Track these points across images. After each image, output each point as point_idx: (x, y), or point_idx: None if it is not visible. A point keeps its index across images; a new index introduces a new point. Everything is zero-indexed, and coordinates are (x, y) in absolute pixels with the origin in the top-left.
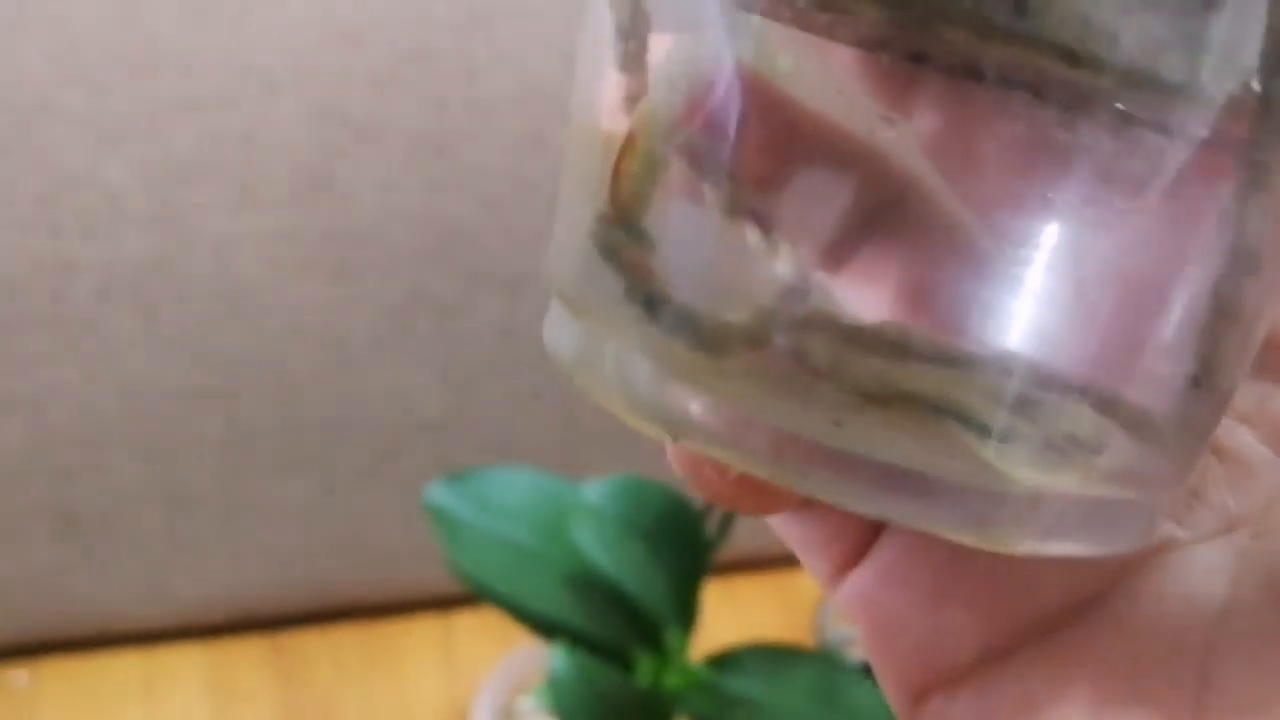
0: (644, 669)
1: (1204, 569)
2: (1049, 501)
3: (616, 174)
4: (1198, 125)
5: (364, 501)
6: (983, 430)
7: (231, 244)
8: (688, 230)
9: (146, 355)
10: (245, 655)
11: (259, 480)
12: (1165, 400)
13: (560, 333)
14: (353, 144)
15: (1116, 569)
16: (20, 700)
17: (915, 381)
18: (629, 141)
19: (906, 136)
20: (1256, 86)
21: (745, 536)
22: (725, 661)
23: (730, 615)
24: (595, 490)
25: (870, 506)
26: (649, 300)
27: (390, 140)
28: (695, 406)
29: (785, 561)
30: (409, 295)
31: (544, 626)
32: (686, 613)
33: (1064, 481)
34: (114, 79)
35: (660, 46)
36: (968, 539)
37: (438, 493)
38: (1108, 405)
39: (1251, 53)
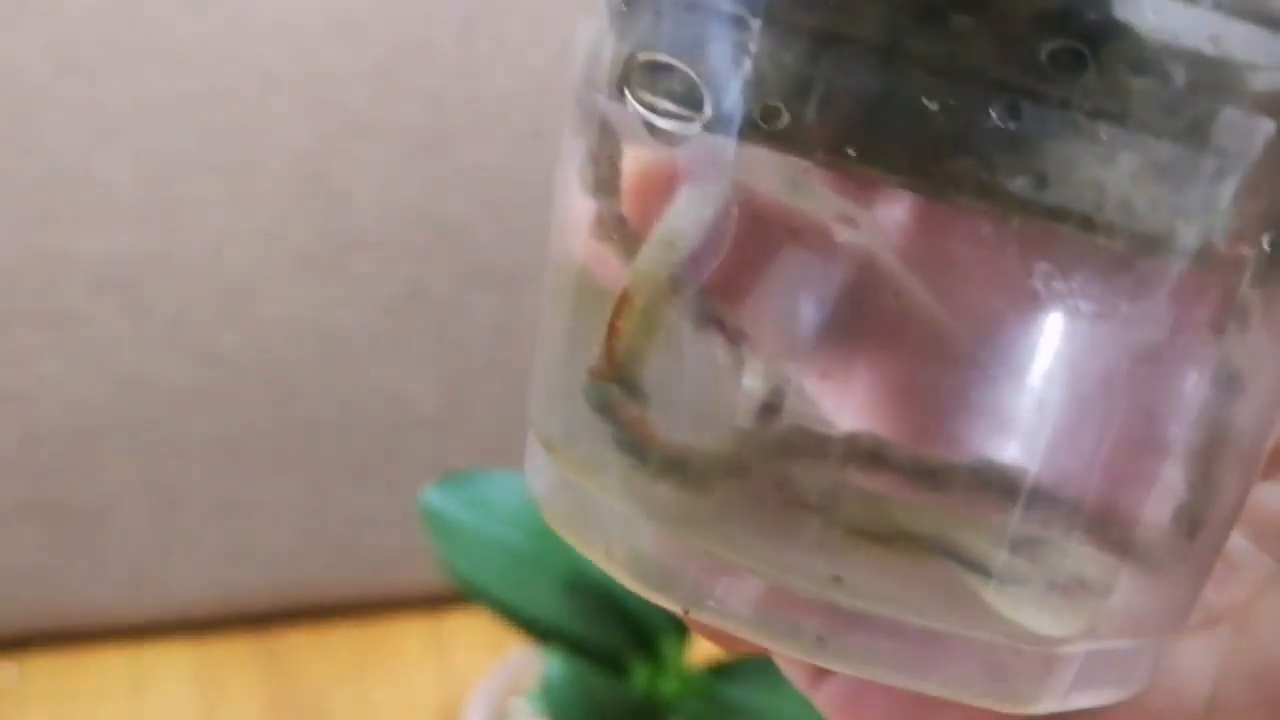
0: (639, 675)
1: (1190, 665)
2: (1068, 654)
3: (613, 332)
4: (1200, 272)
5: (356, 500)
6: (984, 572)
7: (226, 239)
8: (668, 364)
9: (138, 350)
10: (234, 653)
11: (250, 478)
12: (1168, 534)
13: (541, 473)
14: (350, 140)
15: None
16: (9, 696)
17: (910, 517)
18: (625, 299)
19: (873, 236)
20: (1267, 247)
21: None
22: (721, 669)
23: None
24: None
25: (882, 670)
26: (643, 448)
27: (388, 136)
28: (689, 564)
29: None
30: (405, 293)
31: (539, 631)
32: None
33: (1074, 626)
34: (110, 72)
35: (631, 169)
36: (988, 702)
37: (433, 495)
38: (1110, 542)
39: (1259, 214)
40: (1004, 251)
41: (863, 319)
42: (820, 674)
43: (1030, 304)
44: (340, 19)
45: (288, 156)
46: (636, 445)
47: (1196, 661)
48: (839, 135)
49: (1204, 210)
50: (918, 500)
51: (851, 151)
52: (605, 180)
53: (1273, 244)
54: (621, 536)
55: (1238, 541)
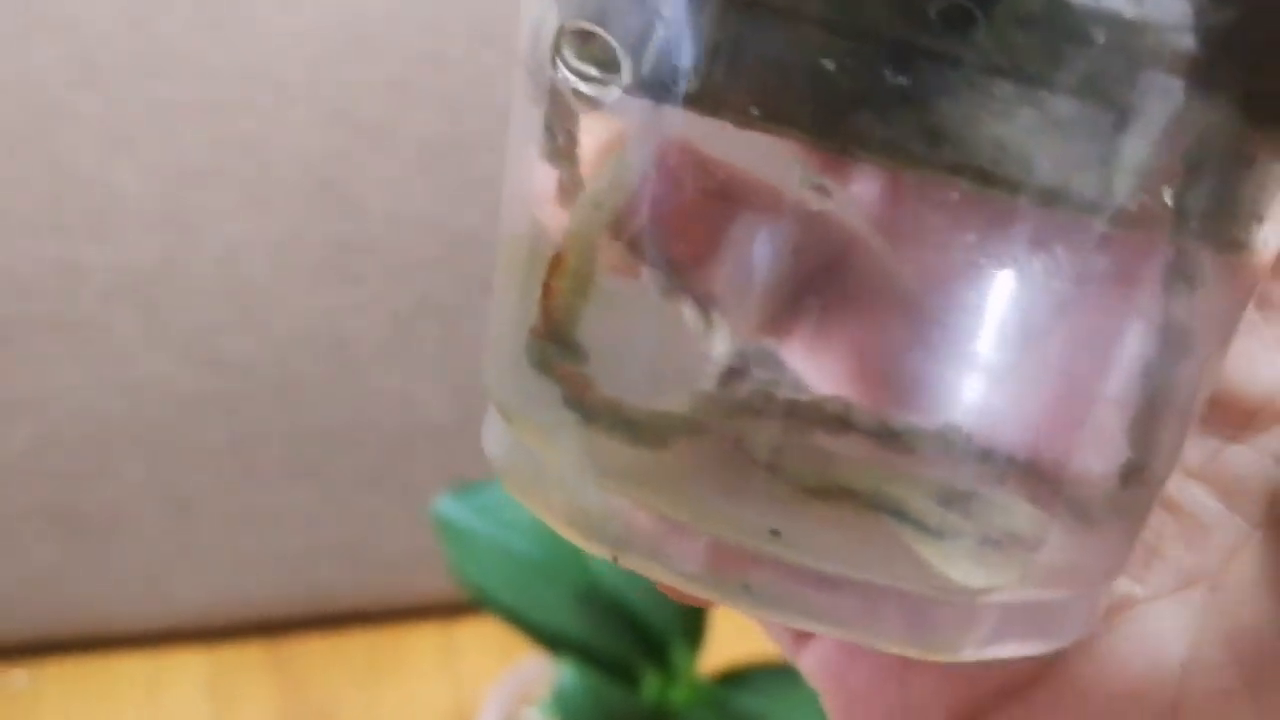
0: (650, 684)
1: (1163, 627)
2: (991, 605)
3: (547, 292)
4: (1114, 228)
5: (368, 508)
6: (920, 526)
7: (239, 249)
8: (623, 326)
9: (152, 359)
10: (246, 660)
11: (263, 485)
12: (1102, 489)
13: (497, 440)
14: (364, 150)
15: None
16: (20, 701)
17: (853, 474)
18: (557, 259)
19: (843, 204)
20: (1169, 200)
21: None
22: (732, 678)
23: (736, 632)
24: None
25: (811, 620)
26: (586, 404)
27: (401, 146)
28: (635, 519)
29: None
30: (417, 302)
31: (550, 640)
32: (694, 629)
33: (1004, 580)
34: (125, 83)
35: (590, 139)
36: (911, 651)
37: (446, 504)
38: (1045, 496)
39: (1161, 169)
40: (933, 212)
41: (812, 281)
42: (803, 637)
43: (959, 263)
44: (354, 31)
45: (301, 166)
46: (578, 401)
47: (1170, 623)
48: (746, 96)
49: (1104, 165)
50: (860, 458)
51: (756, 111)
52: (562, 148)
53: (1179, 200)
54: (565, 489)
55: (1208, 502)
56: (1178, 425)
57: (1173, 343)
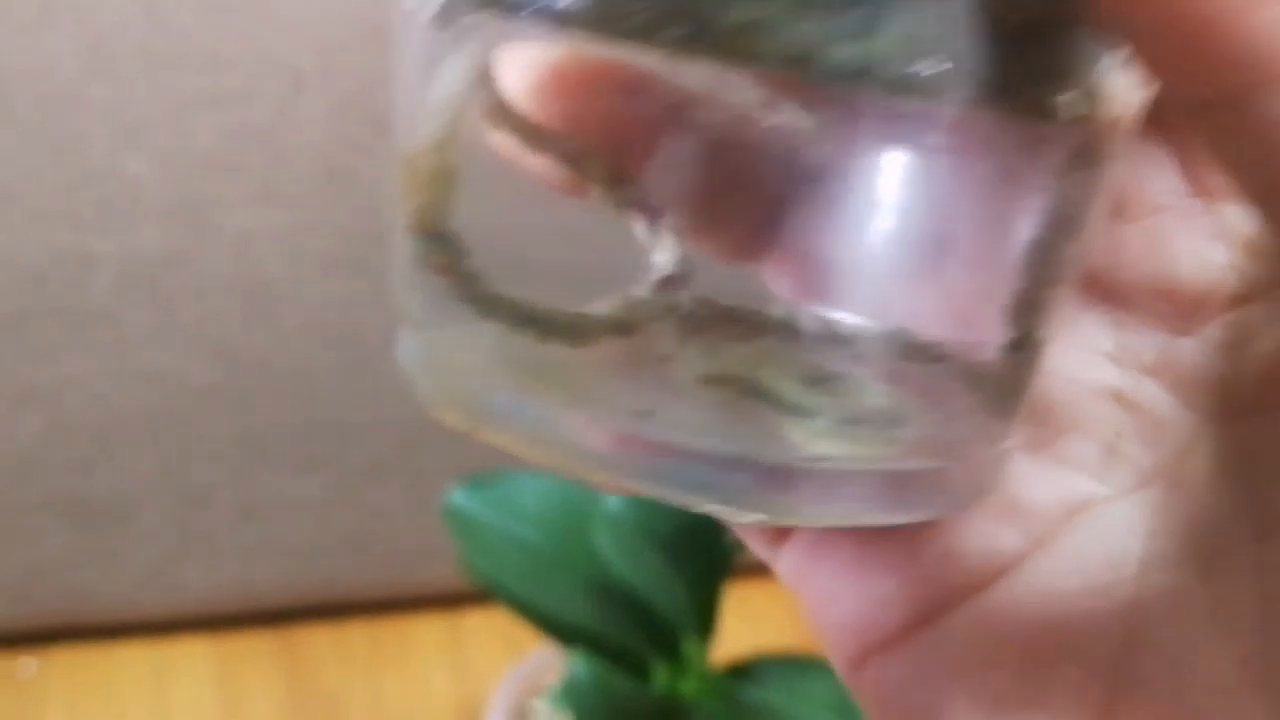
0: (660, 676)
1: (1122, 525)
2: (857, 473)
3: (409, 188)
4: (922, 103)
5: (376, 499)
6: (787, 408)
7: (251, 239)
8: (516, 224)
9: (163, 349)
10: (254, 649)
11: (272, 476)
12: (984, 359)
13: (405, 351)
14: (376, 140)
15: (1037, 529)
16: (28, 689)
17: (734, 363)
18: (420, 154)
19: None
20: (939, 68)
21: None
22: (743, 670)
23: (745, 623)
24: (616, 498)
25: (675, 494)
26: (481, 300)
27: None
28: (539, 408)
29: None
30: None
31: (561, 631)
32: (705, 621)
33: (866, 453)
34: (138, 73)
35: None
36: (761, 515)
37: (456, 495)
38: (913, 375)
39: (943, 36)
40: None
41: (721, 179)
42: (777, 540)
43: (823, 156)
44: (368, 19)
45: (314, 158)
46: (471, 294)
47: (1129, 522)
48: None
49: (862, 34)
50: (744, 349)
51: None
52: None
53: (947, 68)
54: (465, 385)
55: (1162, 398)
56: (1058, 302)
57: (1061, 223)
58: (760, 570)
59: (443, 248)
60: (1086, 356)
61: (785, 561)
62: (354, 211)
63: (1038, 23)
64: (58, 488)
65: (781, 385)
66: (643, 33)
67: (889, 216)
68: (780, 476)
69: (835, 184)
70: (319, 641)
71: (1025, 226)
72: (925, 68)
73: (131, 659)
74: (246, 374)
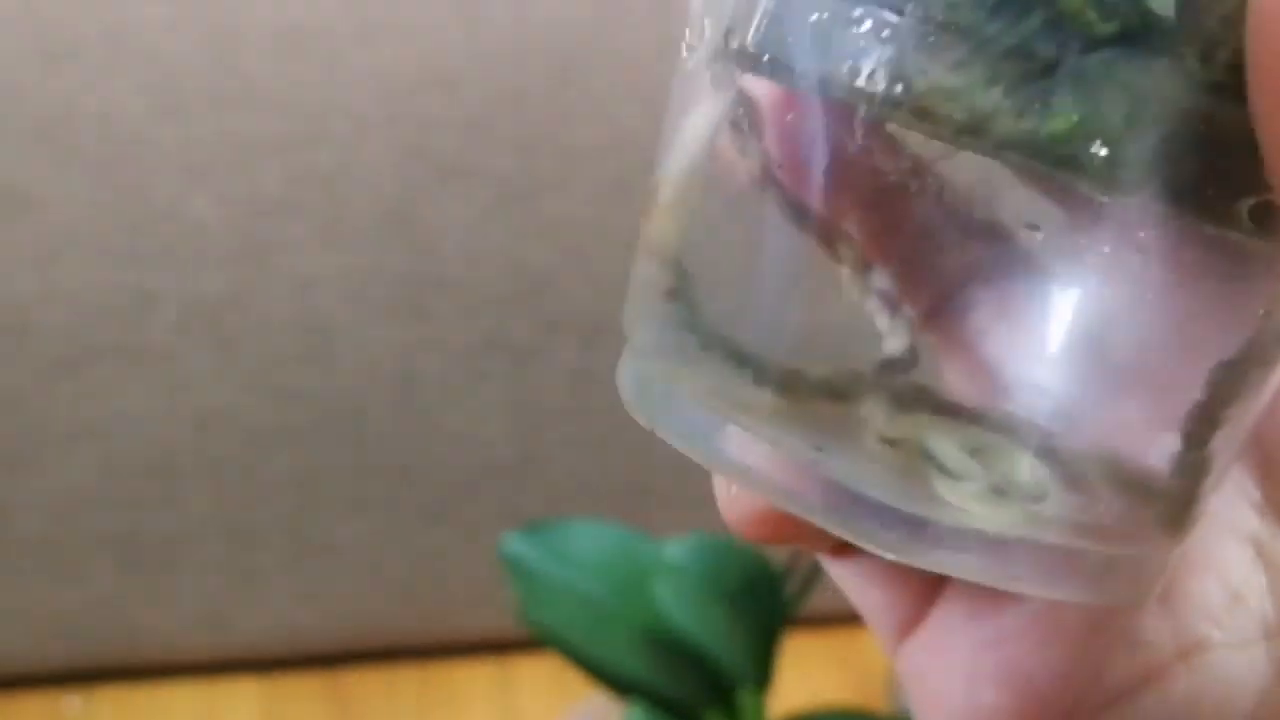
0: None
1: (1239, 674)
2: (997, 539)
3: (652, 219)
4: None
5: (428, 544)
6: (943, 470)
7: (311, 282)
8: (775, 280)
9: (220, 389)
10: (301, 691)
11: (325, 518)
12: (1150, 464)
13: (626, 373)
14: (439, 186)
15: (1151, 666)
16: None
17: (909, 429)
18: (665, 181)
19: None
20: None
21: (818, 597)
22: None
23: (801, 676)
24: (676, 549)
25: (844, 532)
26: (703, 331)
27: (476, 184)
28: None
29: (854, 621)
30: (485, 340)
31: (617, 681)
32: (762, 672)
33: (1006, 520)
34: (205, 115)
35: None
36: (899, 555)
37: (513, 543)
38: (1072, 459)
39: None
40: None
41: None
42: (899, 637)
43: (998, 242)
44: (435, 68)
45: (376, 202)
46: (696, 326)
47: (1244, 673)
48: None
49: (1040, 109)
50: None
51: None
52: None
53: (1126, 153)
54: (682, 411)
55: None
56: (1226, 417)
57: (1258, 345)
58: (817, 623)
59: (673, 274)
60: (1233, 499)
61: (904, 656)
62: (414, 257)
63: (1242, 134)
64: (110, 525)
65: (944, 449)
66: (851, 92)
67: (1084, 313)
68: (926, 529)
69: (1036, 278)
70: (368, 686)
71: (1222, 342)
72: (1100, 149)
73: (179, 699)
74: (302, 415)
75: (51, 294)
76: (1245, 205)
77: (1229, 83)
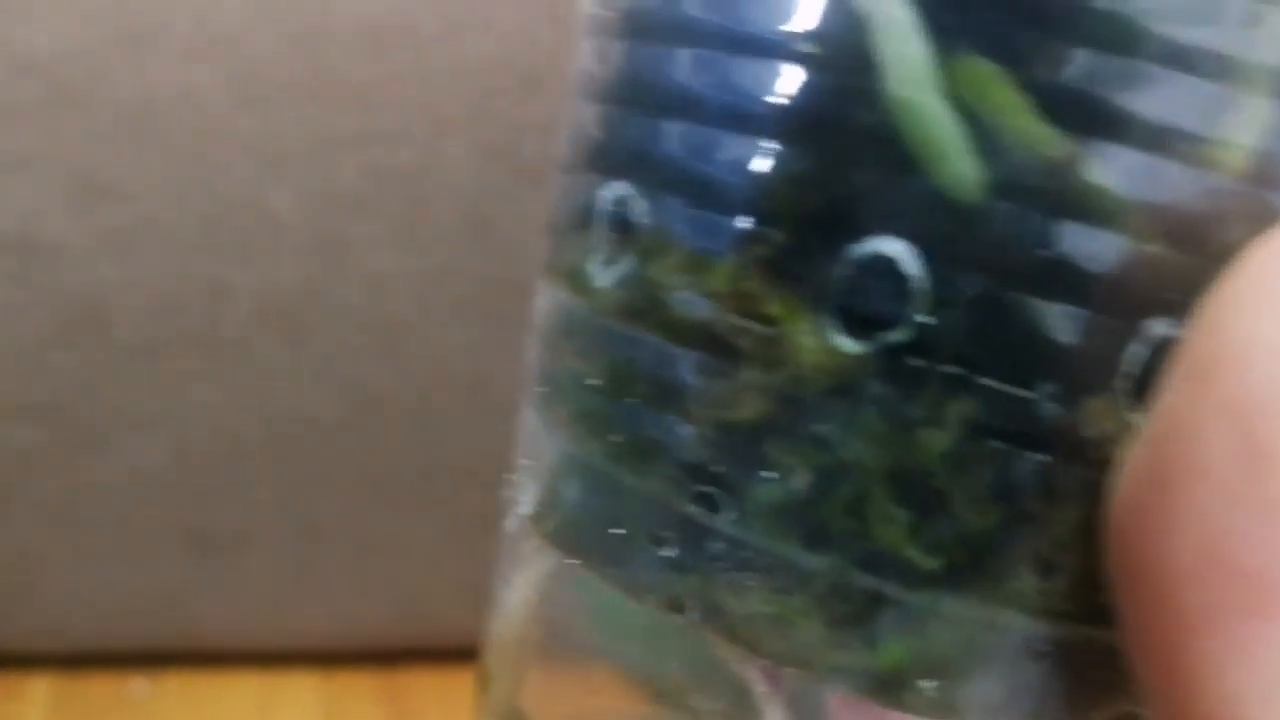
0: None
1: None
2: None
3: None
4: None
5: (491, 546)
6: None
7: (387, 280)
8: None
9: (292, 383)
10: (358, 683)
11: (390, 516)
12: None
13: None
14: (518, 188)
15: None
16: (140, 708)
17: None
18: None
19: None
20: None
21: None
22: None
23: None
24: None
25: None
26: None
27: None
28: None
29: None
30: None
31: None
32: None
33: None
34: (286, 108)
35: None
36: None
37: None
38: None
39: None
40: None
41: None
42: None
43: None
44: (518, 69)
45: (455, 203)
46: None
47: None
48: None
49: (867, 647)
50: None
51: None
52: None
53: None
54: None
55: None
56: None
57: None
58: None
59: None
60: None
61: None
62: (490, 259)
63: (1092, 652)
64: (178, 514)
65: None
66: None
67: None
68: None
69: None
70: (424, 684)
71: None
72: (931, 685)
73: (241, 686)
74: (372, 413)
75: (128, 282)
76: (1100, 718)
77: (1070, 607)
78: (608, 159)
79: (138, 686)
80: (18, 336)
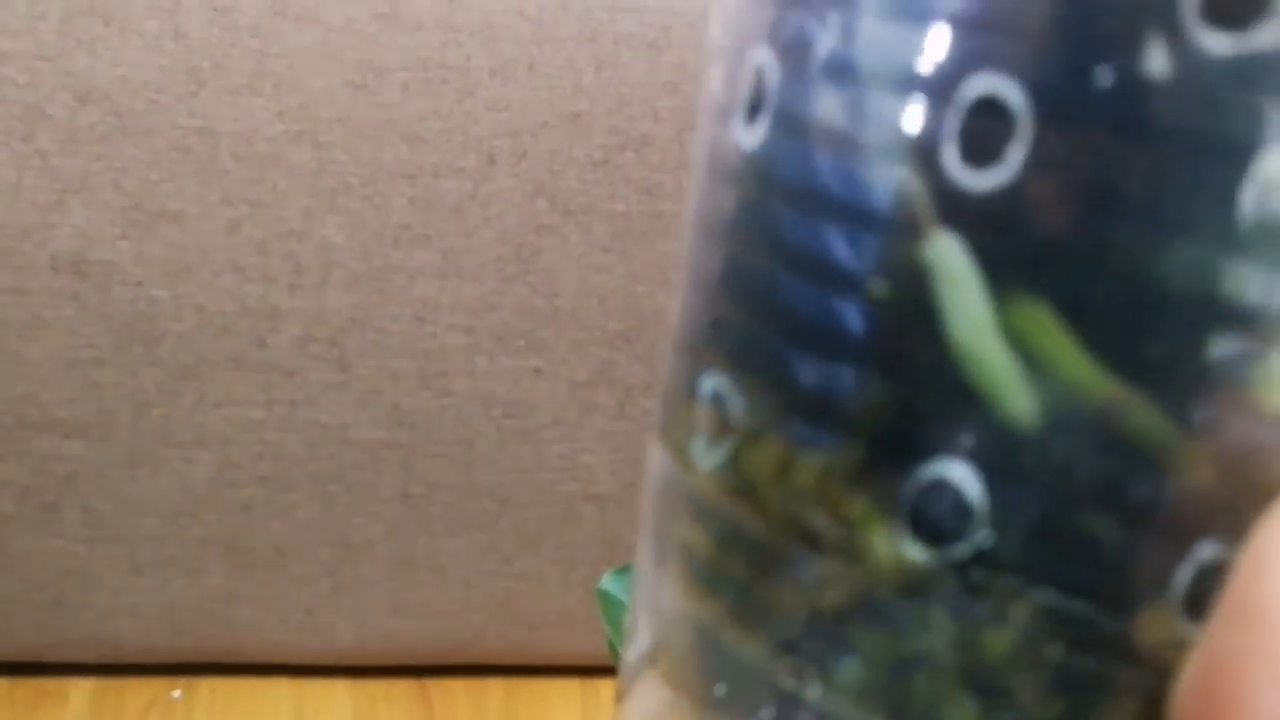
0: None
1: None
2: None
3: None
4: None
5: (524, 567)
6: None
7: (432, 309)
8: None
9: (337, 406)
10: (392, 696)
11: (428, 536)
12: None
13: None
14: (562, 222)
15: None
16: (176, 713)
17: None
18: None
19: None
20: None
21: None
22: None
23: None
24: None
25: None
26: None
27: (598, 222)
28: None
29: None
30: (595, 374)
31: None
32: None
33: None
34: (340, 141)
35: None
36: None
37: (609, 582)
38: None
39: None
40: None
41: None
42: None
43: None
44: (565, 107)
45: (499, 235)
46: None
47: None
48: None
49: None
50: None
51: None
52: None
53: None
54: None
55: None
56: None
57: None
58: None
59: None
60: None
61: None
62: (533, 291)
63: None
64: (221, 528)
65: None
66: None
67: None
68: None
69: None
70: (455, 696)
71: None
72: None
73: (276, 696)
74: (413, 436)
75: (181, 305)
76: None
77: None
78: (711, 351)
79: (174, 694)
80: (69, 354)
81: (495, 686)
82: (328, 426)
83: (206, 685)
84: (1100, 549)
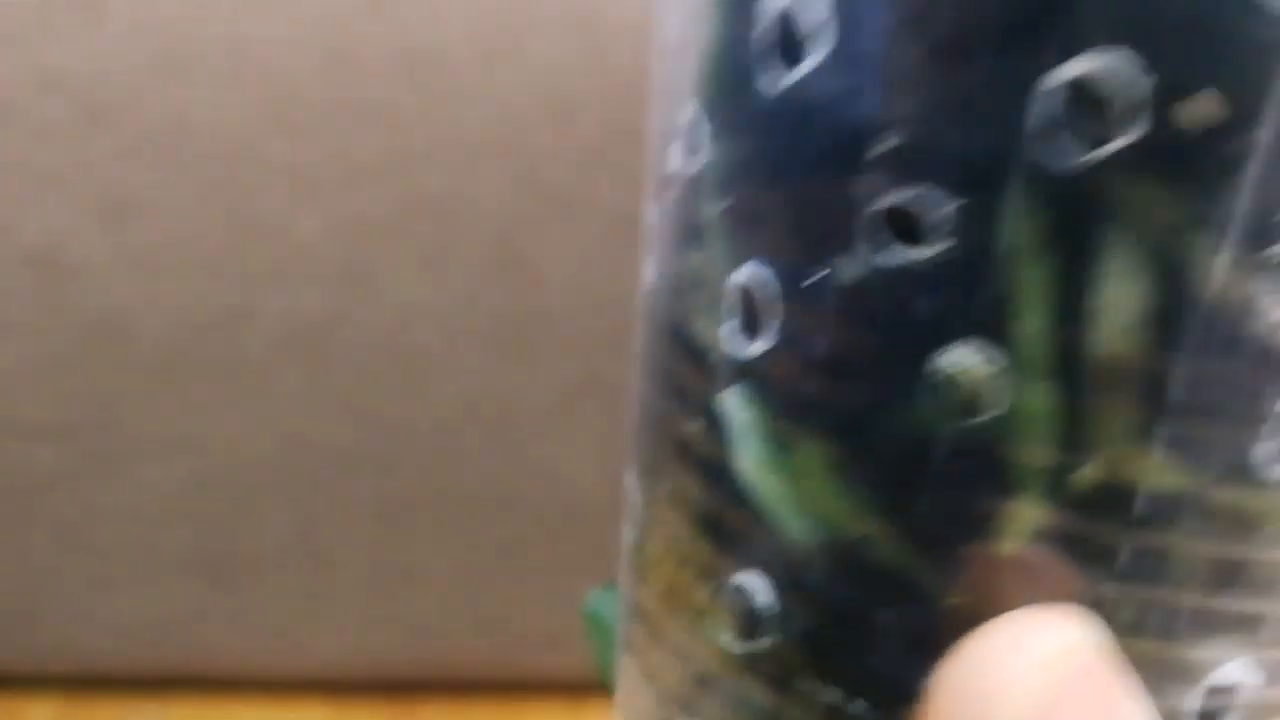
0: None
1: None
2: None
3: None
4: None
5: (508, 581)
6: None
7: (412, 309)
8: None
9: (311, 411)
10: (370, 714)
11: (405, 548)
12: None
13: None
14: (548, 219)
15: None
16: None
17: None
18: None
19: None
20: None
21: None
22: None
23: None
24: None
25: None
26: None
27: (586, 218)
28: None
29: None
30: (582, 378)
31: None
32: None
33: None
34: (317, 133)
35: None
36: None
37: (596, 599)
38: None
39: None
40: None
41: None
42: None
43: None
44: (551, 98)
45: (484, 233)
46: None
47: None
48: None
49: None
50: None
51: None
52: None
53: None
54: None
55: None
56: None
57: None
58: None
59: None
60: None
61: None
62: (518, 292)
63: None
64: (191, 540)
65: None
66: None
67: None
68: None
69: None
70: (436, 713)
71: None
72: None
73: (250, 714)
74: (391, 443)
75: (151, 303)
76: None
77: None
78: (629, 456)
79: (145, 711)
80: (36, 355)
81: (479, 708)
82: (301, 432)
83: (179, 702)
84: (865, 658)
